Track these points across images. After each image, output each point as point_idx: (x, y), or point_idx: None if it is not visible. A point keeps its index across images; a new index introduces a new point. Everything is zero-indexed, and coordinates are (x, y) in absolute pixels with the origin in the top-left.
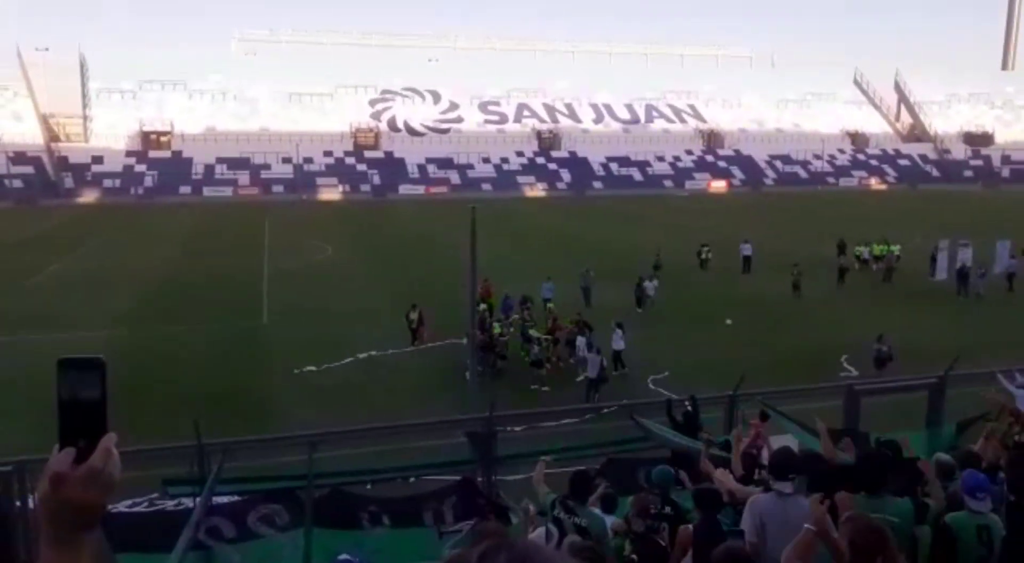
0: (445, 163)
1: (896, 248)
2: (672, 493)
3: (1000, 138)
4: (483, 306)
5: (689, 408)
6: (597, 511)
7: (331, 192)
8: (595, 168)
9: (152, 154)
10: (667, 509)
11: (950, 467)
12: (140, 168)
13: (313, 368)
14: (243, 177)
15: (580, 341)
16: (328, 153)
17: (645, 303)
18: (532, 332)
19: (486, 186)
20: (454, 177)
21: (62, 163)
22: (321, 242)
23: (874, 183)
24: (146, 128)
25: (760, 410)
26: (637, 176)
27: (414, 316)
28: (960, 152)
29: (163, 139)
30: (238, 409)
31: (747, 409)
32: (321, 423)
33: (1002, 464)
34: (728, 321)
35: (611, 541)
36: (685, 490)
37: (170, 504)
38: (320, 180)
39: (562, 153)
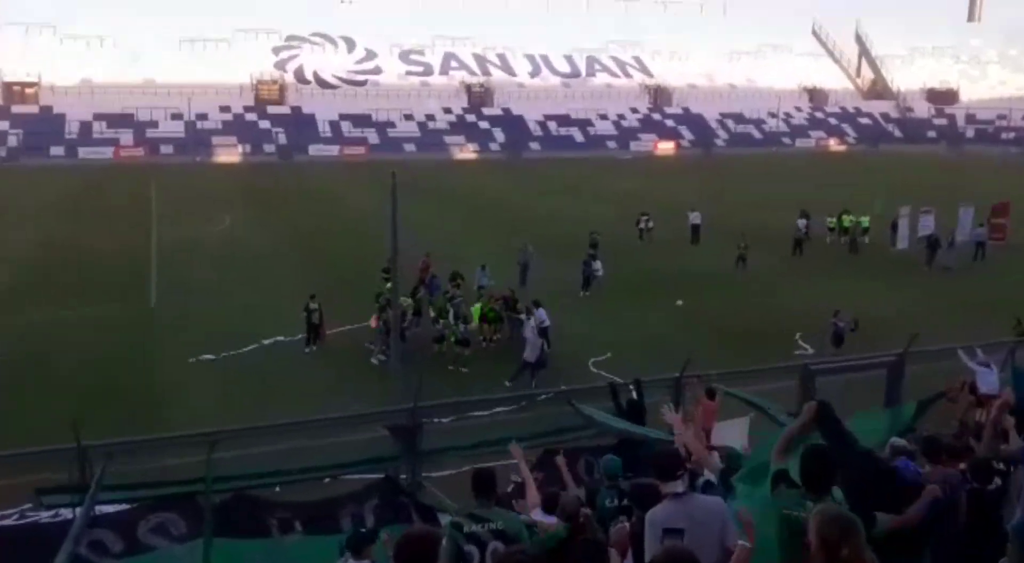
0: (361, 120)
1: (865, 219)
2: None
3: (965, 96)
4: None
5: (633, 393)
6: (505, 510)
7: (229, 153)
8: (532, 127)
9: (16, 109)
10: (624, 502)
11: (903, 450)
12: (2, 126)
13: (211, 357)
14: (125, 136)
15: (532, 320)
16: (225, 109)
17: (592, 284)
18: (461, 308)
19: (409, 147)
20: (372, 136)
21: None
22: (218, 212)
23: (833, 144)
24: (8, 78)
25: (706, 388)
26: (578, 136)
27: (314, 307)
28: (923, 110)
29: (29, 92)
30: (124, 405)
31: (695, 394)
32: (222, 419)
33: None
34: (679, 302)
35: (542, 538)
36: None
37: (45, 516)
38: (216, 140)
39: (495, 110)
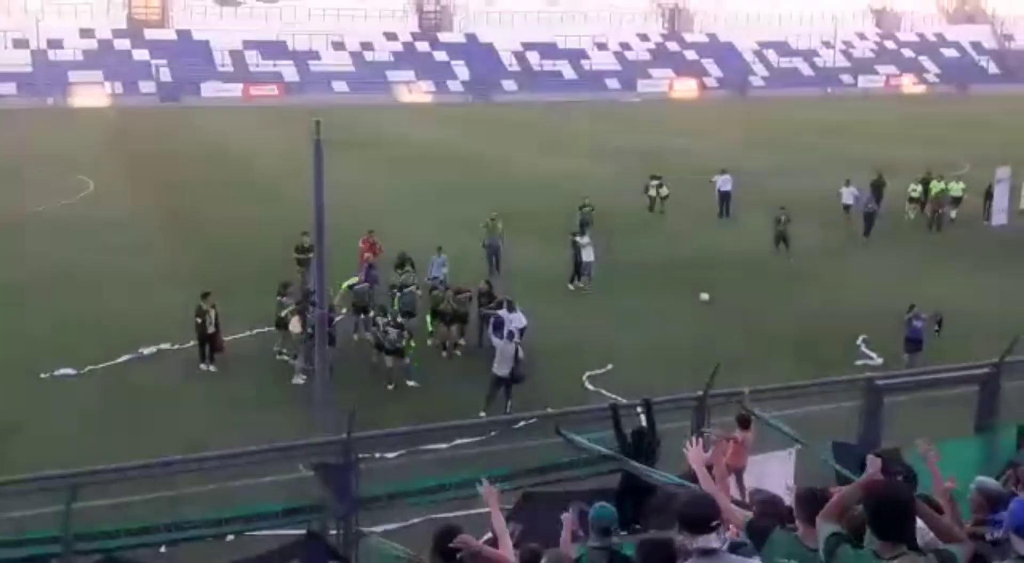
0: (274, 49)
1: (957, 187)
2: (617, 537)
3: None
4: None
5: (642, 418)
6: None
7: (93, 94)
8: (505, 60)
9: None
10: None
11: (997, 495)
12: None
13: (70, 371)
14: None
15: (508, 318)
16: (87, 33)
17: (584, 274)
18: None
19: (339, 85)
20: (288, 72)
21: None
22: (77, 174)
23: (908, 83)
24: None
25: (737, 414)
26: (568, 72)
27: (208, 308)
28: None
29: None
30: None
31: (724, 417)
32: (86, 456)
33: None
34: (704, 296)
35: None
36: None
37: None
38: (74, 75)
39: (455, 37)
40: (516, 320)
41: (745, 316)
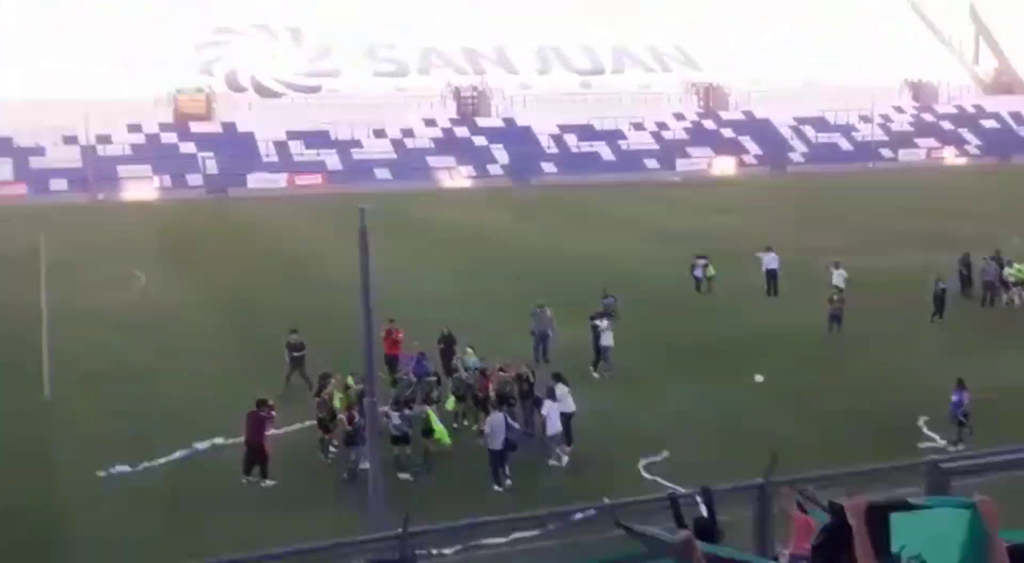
0: (317, 139)
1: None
2: None
3: None
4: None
5: (702, 507)
6: None
7: (142, 188)
8: (543, 142)
9: None
10: None
11: None
12: None
13: (126, 468)
14: (2, 168)
15: (547, 406)
16: (135, 128)
17: (602, 360)
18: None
19: (381, 172)
20: (331, 161)
21: None
22: (130, 267)
23: (949, 156)
24: None
25: (797, 499)
26: (605, 153)
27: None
28: None
29: None
30: (9, 539)
31: (783, 503)
32: (141, 556)
33: None
34: (758, 378)
35: None
36: None
37: None
38: (124, 169)
39: (494, 121)
40: (564, 405)
41: (800, 397)
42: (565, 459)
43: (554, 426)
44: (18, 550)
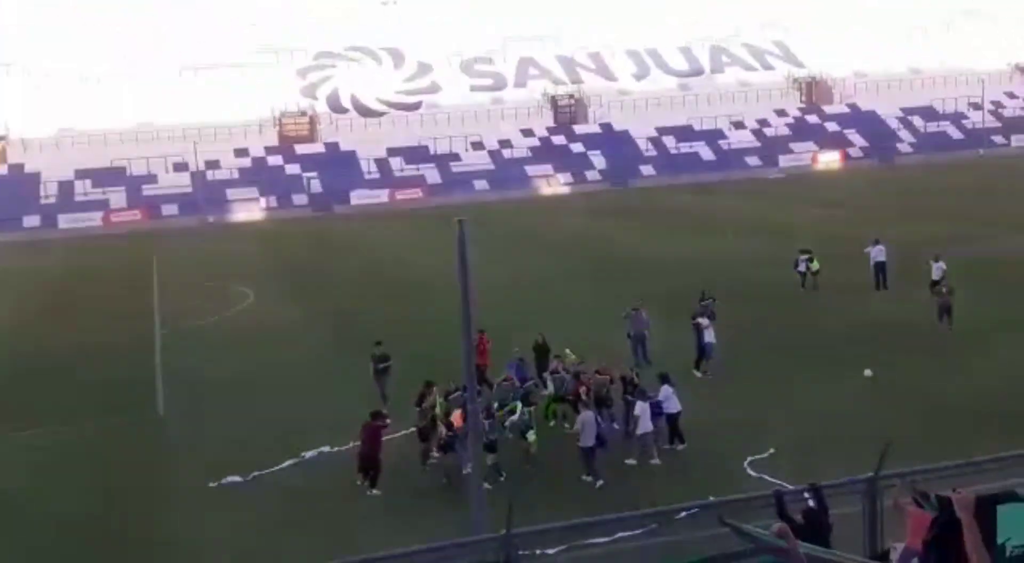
0: (417, 154)
1: None
2: None
3: None
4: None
5: (811, 502)
6: None
7: (249, 209)
8: (641, 146)
9: None
10: None
11: None
12: None
13: (238, 478)
14: (116, 196)
15: (639, 406)
16: (242, 152)
17: (706, 358)
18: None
19: (480, 184)
20: (431, 175)
21: None
22: (239, 285)
23: None
24: None
25: (913, 493)
26: (705, 153)
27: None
28: None
29: None
30: (127, 547)
31: (898, 498)
32: (256, 561)
33: None
34: (867, 372)
35: None
36: None
37: None
38: (232, 192)
39: (591, 127)
40: (670, 405)
41: (911, 392)
42: (655, 461)
43: (645, 426)
44: (136, 559)
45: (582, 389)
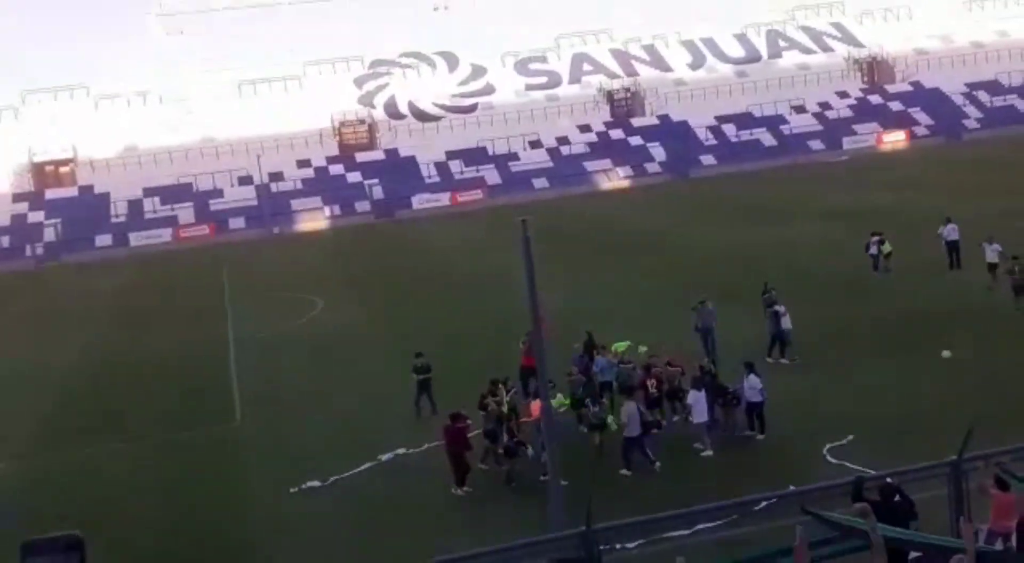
0: (475, 156)
1: None
2: None
3: None
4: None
5: (896, 497)
6: None
7: (314, 218)
8: (701, 136)
9: (50, 194)
10: None
11: None
12: (35, 217)
13: (317, 483)
14: (184, 212)
15: (692, 395)
16: (304, 163)
17: (783, 343)
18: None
19: (539, 182)
20: (491, 175)
21: None
22: (308, 294)
23: None
24: (38, 158)
25: (995, 476)
26: (766, 140)
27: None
28: None
29: (63, 170)
30: (211, 555)
31: (982, 479)
32: None
33: None
34: (946, 353)
35: None
36: None
37: None
38: (296, 203)
39: (648, 120)
40: (752, 395)
41: (992, 372)
42: (708, 452)
43: (700, 415)
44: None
45: (651, 382)
